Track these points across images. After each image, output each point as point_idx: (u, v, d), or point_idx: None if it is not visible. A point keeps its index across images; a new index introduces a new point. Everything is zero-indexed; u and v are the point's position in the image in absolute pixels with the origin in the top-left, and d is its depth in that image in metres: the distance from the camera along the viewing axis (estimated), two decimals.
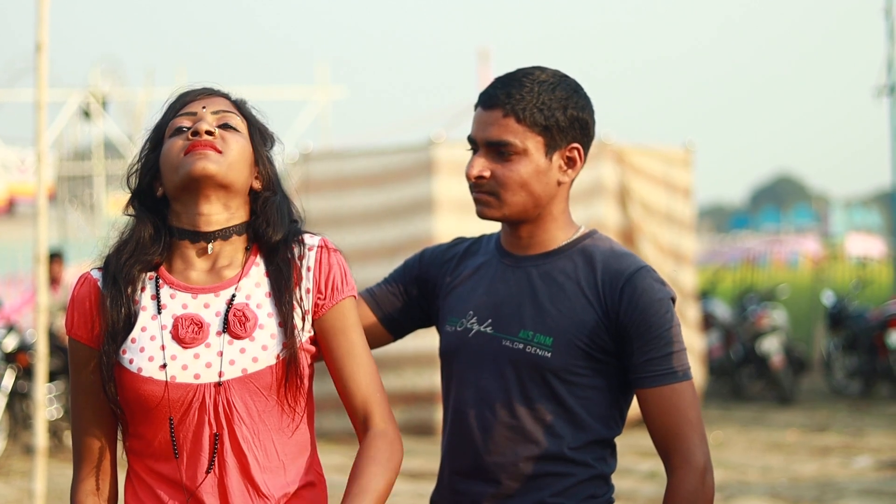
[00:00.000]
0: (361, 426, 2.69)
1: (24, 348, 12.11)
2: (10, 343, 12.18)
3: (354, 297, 2.73)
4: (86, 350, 2.66)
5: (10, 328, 12.44)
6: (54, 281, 13.29)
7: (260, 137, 2.74)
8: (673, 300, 2.95)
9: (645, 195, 13.69)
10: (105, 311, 2.62)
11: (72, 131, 25.86)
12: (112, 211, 24.09)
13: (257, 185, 2.71)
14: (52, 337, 10.84)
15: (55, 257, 13.40)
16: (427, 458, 10.99)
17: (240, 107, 2.75)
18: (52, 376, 11.76)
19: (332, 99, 28.01)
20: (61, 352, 11.71)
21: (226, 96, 2.74)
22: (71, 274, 13.66)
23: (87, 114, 23.89)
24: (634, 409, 2.99)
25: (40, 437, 7.37)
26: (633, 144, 14.00)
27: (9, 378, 12.02)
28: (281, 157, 2.81)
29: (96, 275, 2.69)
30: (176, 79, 28.09)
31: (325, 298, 2.68)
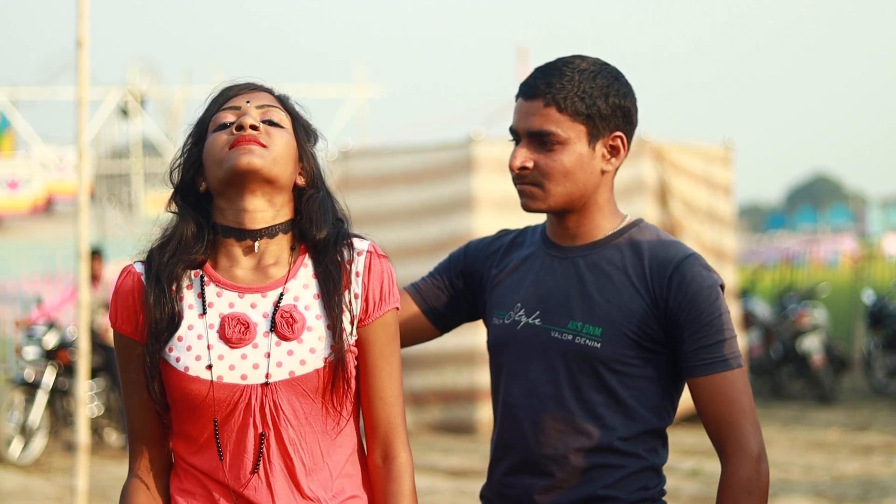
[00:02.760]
0: (380, 444, 2.68)
1: (65, 345, 12.17)
2: (51, 340, 12.24)
3: (397, 308, 2.70)
4: (131, 343, 2.63)
5: (51, 325, 12.50)
6: (94, 278, 13.31)
7: (304, 133, 2.71)
8: (722, 287, 2.92)
9: (685, 193, 13.64)
10: (148, 308, 2.60)
11: (110, 130, 25.98)
12: (150, 209, 24.18)
13: (301, 181, 2.68)
14: (93, 334, 10.87)
15: (95, 254, 13.42)
16: (467, 455, 10.97)
17: (283, 102, 2.71)
18: (93, 373, 11.81)
19: (369, 97, 28.04)
20: (101, 349, 11.76)
21: (269, 91, 2.72)
22: (110, 272, 13.71)
23: (124, 112, 24.02)
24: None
25: (82, 434, 7.41)
26: (672, 142, 13.96)
27: (49, 375, 12.07)
28: (323, 154, 2.78)
29: (139, 268, 2.65)
30: (213, 77, 28.19)
31: (370, 308, 2.65)
